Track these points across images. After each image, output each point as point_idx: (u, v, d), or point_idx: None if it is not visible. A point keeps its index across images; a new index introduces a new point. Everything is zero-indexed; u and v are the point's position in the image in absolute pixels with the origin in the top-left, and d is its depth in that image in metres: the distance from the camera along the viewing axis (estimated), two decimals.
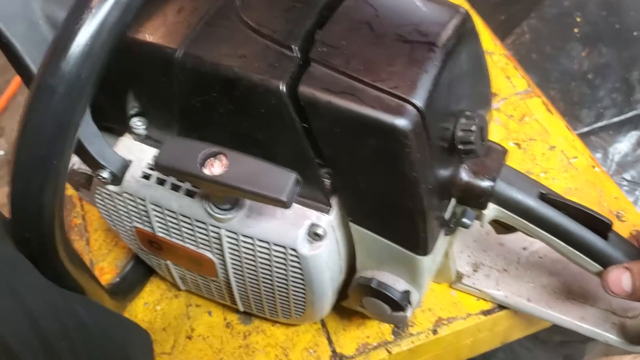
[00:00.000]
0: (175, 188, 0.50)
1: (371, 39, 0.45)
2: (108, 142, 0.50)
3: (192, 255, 0.55)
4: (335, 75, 0.43)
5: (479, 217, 0.54)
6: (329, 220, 0.49)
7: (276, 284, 0.54)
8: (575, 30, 0.95)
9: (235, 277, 0.55)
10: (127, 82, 0.49)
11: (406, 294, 0.53)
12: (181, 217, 0.51)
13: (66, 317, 0.43)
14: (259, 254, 0.51)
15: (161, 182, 0.51)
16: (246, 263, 0.53)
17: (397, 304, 0.53)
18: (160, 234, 0.54)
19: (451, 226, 0.52)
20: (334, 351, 0.62)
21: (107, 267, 0.68)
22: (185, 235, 0.53)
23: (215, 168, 0.44)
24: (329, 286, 0.53)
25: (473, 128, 0.47)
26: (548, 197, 0.52)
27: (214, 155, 0.44)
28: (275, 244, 0.49)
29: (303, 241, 0.49)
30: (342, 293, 0.58)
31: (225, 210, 0.49)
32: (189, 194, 0.50)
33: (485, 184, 0.51)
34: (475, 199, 0.51)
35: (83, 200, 0.73)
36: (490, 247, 0.66)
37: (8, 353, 0.38)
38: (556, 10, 0.97)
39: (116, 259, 0.68)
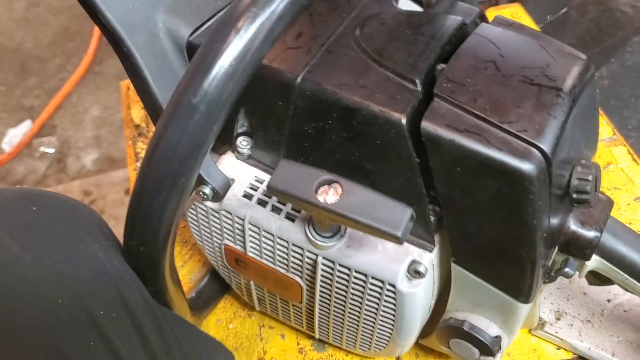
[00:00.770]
0: (276, 210, 0.50)
1: (497, 79, 0.44)
2: (212, 157, 0.50)
3: (279, 279, 0.54)
4: (460, 113, 0.43)
5: (579, 267, 0.52)
6: (430, 259, 0.48)
7: (364, 316, 0.52)
8: None
9: (320, 305, 0.55)
10: (241, 101, 0.49)
11: (497, 339, 0.52)
12: (278, 240, 0.50)
13: (167, 334, 0.43)
14: (353, 285, 0.50)
15: (262, 202, 0.50)
16: (336, 292, 0.52)
17: (488, 349, 0.52)
18: (251, 254, 0.53)
19: (552, 275, 0.51)
20: None
21: (181, 279, 0.67)
22: (278, 258, 0.52)
23: (330, 196, 0.43)
24: (419, 324, 0.52)
25: (589, 177, 0.46)
26: None
27: (329, 183, 0.43)
28: (373, 277, 0.48)
29: (403, 278, 0.48)
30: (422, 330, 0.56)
31: (326, 237, 0.48)
32: (290, 217, 0.49)
33: (592, 234, 0.49)
34: (580, 249, 0.50)
35: None
36: (573, 296, 0.64)
37: None
38: (637, 58, 0.96)
39: (190, 272, 0.68)
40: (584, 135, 0.49)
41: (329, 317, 0.56)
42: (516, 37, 0.48)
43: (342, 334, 0.58)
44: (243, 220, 0.51)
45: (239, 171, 0.52)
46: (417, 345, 0.59)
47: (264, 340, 0.63)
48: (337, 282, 0.51)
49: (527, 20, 0.95)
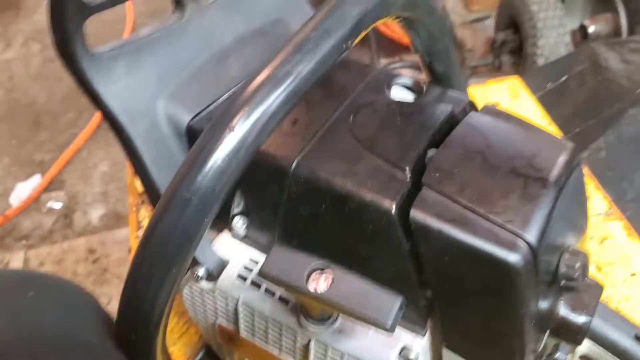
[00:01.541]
0: (269, 292, 0.51)
1: (484, 169, 0.45)
2: (207, 236, 0.51)
3: (273, 359, 0.54)
4: (448, 202, 0.44)
5: (571, 351, 0.52)
6: (421, 344, 0.48)
7: None
8: None
9: None
10: (237, 183, 0.50)
11: None
12: (271, 322, 0.51)
13: None
14: None
15: (256, 284, 0.51)
16: None
17: None
18: (244, 333, 0.54)
19: (544, 359, 0.51)
20: None
21: (177, 352, 0.67)
22: (271, 339, 0.52)
23: (321, 284, 0.44)
24: None
25: (577, 265, 0.47)
26: None
27: (320, 270, 0.44)
28: None
29: None
30: None
31: (318, 322, 0.49)
32: (283, 299, 0.50)
33: (582, 320, 0.50)
34: (571, 334, 0.50)
35: None
36: None
37: None
38: (634, 130, 0.97)
39: (186, 345, 0.68)
40: (571, 221, 0.50)
41: None
42: (504, 127, 0.49)
43: None
44: (237, 301, 0.51)
45: (234, 251, 0.53)
46: None
47: None
48: None
49: (525, 92, 0.97)
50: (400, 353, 0.48)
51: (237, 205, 0.52)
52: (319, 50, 0.41)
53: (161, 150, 0.48)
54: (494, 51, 2.04)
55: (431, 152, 0.48)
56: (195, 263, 0.50)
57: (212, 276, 0.51)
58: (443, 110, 0.50)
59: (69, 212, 1.96)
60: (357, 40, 0.43)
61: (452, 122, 0.50)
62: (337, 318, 0.49)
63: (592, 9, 2.06)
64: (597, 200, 0.80)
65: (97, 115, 2.23)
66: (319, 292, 0.43)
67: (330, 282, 0.44)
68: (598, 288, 0.52)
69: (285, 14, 0.57)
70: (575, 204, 0.50)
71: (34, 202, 1.99)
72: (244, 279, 0.51)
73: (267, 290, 0.51)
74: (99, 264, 1.71)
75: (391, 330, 0.42)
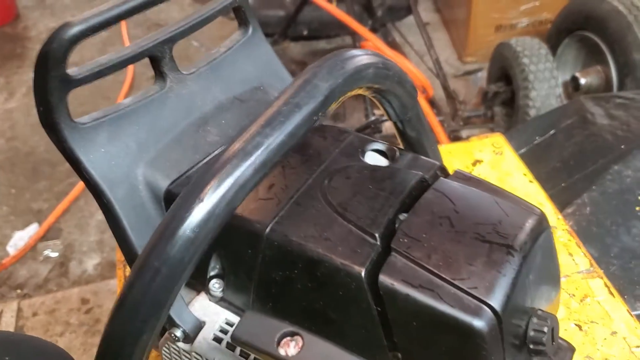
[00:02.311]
0: (244, 354, 0.51)
1: (451, 235, 0.47)
2: (184, 297, 0.52)
3: None
4: (415, 268, 0.45)
5: None
6: None
7: None
8: (637, 208, 0.97)
9: None
10: (213, 246, 0.52)
11: None
12: None
13: None
14: None
15: (231, 347, 0.52)
16: None
17: None
18: None
19: None
20: None
21: None
22: None
23: (291, 349, 0.45)
24: None
25: (545, 329, 0.47)
26: None
27: (291, 335, 0.45)
28: None
29: None
30: None
31: None
32: None
33: None
34: None
35: None
36: None
37: None
38: (617, 186, 0.99)
39: None
40: (540, 285, 0.51)
41: None
42: (472, 193, 0.51)
43: None
44: None
45: (210, 313, 0.53)
46: None
47: None
48: None
49: (508, 149, 0.99)
50: None
51: (214, 268, 0.53)
52: (288, 123, 0.43)
53: (139, 215, 0.50)
54: (487, 102, 2.08)
55: (402, 217, 0.50)
56: (173, 324, 0.51)
57: (189, 338, 0.52)
58: (413, 176, 0.51)
59: (65, 260, 1.97)
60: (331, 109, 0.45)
61: (422, 187, 0.51)
62: None
63: (582, 62, 2.11)
64: (578, 258, 0.81)
65: None
66: (289, 356, 0.44)
67: (300, 347, 0.45)
68: (569, 350, 0.53)
69: (264, 81, 0.60)
70: (544, 268, 0.52)
71: (31, 251, 1.99)
72: (220, 341, 0.52)
73: (241, 353, 0.51)
74: (91, 314, 1.71)
75: None
